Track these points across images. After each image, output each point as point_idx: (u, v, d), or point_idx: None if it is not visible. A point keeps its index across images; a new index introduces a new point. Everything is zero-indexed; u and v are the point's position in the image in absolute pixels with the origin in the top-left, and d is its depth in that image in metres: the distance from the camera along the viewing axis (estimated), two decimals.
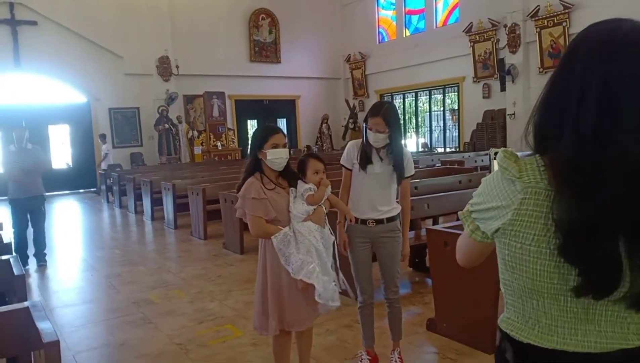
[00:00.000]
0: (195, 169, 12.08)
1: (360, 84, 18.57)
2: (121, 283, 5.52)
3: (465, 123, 15.10)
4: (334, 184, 2.97)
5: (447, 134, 16.20)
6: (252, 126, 18.10)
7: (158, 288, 5.24)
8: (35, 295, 5.23)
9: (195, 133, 15.90)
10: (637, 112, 0.94)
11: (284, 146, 2.68)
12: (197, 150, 15.70)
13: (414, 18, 16.78)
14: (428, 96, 16.74)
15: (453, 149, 15.43)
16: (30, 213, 6.23)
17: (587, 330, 1.02)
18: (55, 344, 1.57)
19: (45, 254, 6.49)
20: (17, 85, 14.21)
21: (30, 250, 6.39)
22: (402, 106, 17.33)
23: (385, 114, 2.84)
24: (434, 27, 15.91)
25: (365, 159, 2.93)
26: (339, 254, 2.87)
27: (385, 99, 17.39)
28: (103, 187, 13.22)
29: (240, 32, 17.26)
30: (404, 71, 16.49)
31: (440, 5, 15.82)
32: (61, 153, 15.10)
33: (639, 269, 0.94)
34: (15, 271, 2.48)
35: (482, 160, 10.55)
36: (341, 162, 3.10)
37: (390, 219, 2.99)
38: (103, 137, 14.30)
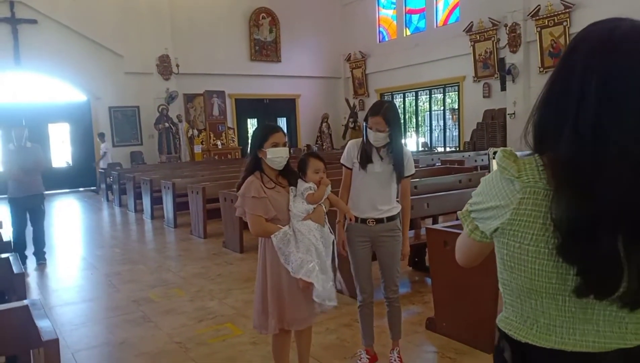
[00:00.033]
0: (195, 168, 12.08)
1: (361, 83, 18.56)
2: (121, 281, 5.52)
3: (465, 123, 15.10)
4: (334, 183, 2.97)
5: (447, 134, 16.19)
6: (252, 125, 18.09)
7: (158, 287, 5.24)
8: (34, 293, 5.23)
9: (195, 132, 15.89)
10: (637, 112, 0.93)
11: (284, 145, 2.68)
12: (197, 149, 15.70)
13: (415, 17, 16.78)
14: (428, 96, 16.73)
15: (453, 149, 15.43)
16: (29, 211, 6.22)
17: (585, 330, 1.02)
18: (55, 342, 1.57)
19: (44, 252, 6.49)
20: (17, 83, 14.21)
21: (30, 249, 6.38)
22: (402, 106, 17.32)
23: (386, 114, 2.84)
24: (435, 26, 15.91)
25: (365, 159, 2.93)
26: (338, 253, 2.87)
27: (386, 98, 17.39)
28: (102, 186, 13.22)
29: (241, 31, 17.26)
30: (404, 70, 16.48)
31: (440, 5, 15.82)
32: (61, 152, 15.13)
33: (638, 268, 0.94)
34: (15, 270, 2.48)
35: (482, 160, 10.52)
36: (341, 161, 3.10)
37: (390, 219, 2.99)
38: (102, 136, 14.33)
